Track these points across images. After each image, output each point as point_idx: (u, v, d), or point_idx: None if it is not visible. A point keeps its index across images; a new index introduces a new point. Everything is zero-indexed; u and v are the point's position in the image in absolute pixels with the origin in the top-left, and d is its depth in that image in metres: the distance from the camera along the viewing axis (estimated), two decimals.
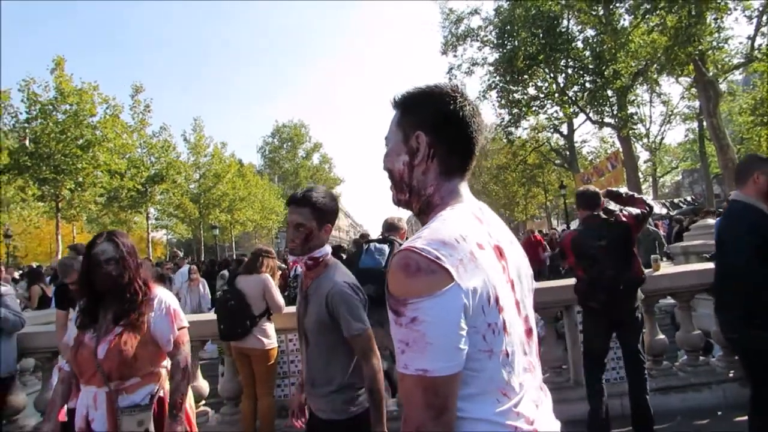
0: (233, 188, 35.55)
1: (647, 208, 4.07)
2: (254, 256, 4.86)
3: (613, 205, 4.37)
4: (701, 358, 4.92)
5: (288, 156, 53.73)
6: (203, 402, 4.89)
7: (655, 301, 5.02)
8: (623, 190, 4.46)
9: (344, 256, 13.59)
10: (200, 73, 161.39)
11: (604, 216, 4.08)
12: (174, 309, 2.61)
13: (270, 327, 4.51)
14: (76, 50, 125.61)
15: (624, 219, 4.01)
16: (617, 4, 21.64)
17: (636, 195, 4.26)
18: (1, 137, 16.28)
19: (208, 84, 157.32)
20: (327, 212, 2.38)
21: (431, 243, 1.03)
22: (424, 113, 1.24)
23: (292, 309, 4.70)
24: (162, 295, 2.64)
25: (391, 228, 4.57)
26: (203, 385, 4.88)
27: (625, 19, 23.09)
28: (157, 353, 2.54)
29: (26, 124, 18.95)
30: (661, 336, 4.89)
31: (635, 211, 4.05)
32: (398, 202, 1.33)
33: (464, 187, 1.28)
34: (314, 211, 2.33)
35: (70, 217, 22.35)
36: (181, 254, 23.68)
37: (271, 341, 4.48)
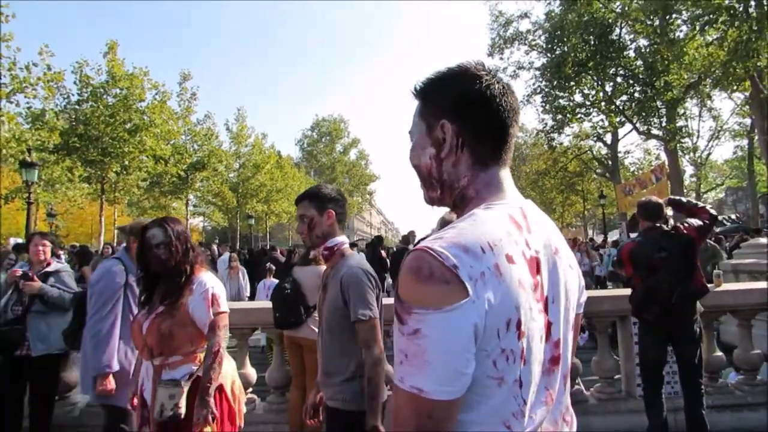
0: (271, 179, 35.87)
1: (710, 218, 3.94)
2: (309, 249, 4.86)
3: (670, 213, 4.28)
4: (758, 377, 4.76)
5: (326, 150, 53.98)
6: (251, 389, 4.92)
7: (716, 317, 4.87)
8: (685, 199, 4.34)
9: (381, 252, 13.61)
10: (247, 65, 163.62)
11: (666, 228, 3.99)
12: (213, 294, 2.71)
13: None
14: (130, 35, 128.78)
15: (685, 231, 3.90)
16: (675, 15, 21.10)
17: (699, 204, 4.14)
18: (51, 117, 16.63)
19: (253, 76, 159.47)
20: (324, 199, 2.52)
21: (451, 247, 0.90)
22: (446, 98, 1.09)
23: None
24: (205, 279, 2.77)
25: (447, 225, 4.52)
26: (251, 372, 4.90)
27: (681, 31, 22.58)
28: (196, 334, 2.69)
29: (77, 106, 19.40)
30: (719, 353, 4.74)
31: (697, 222, 3.95)
32: (430, 201, 1.19)
33: (506, 178, 1.12)
34: (311, 200, 2.53)
35: (113, 199, 22.84)
36: (217, 242, 24.00)
37: None
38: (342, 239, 2.51)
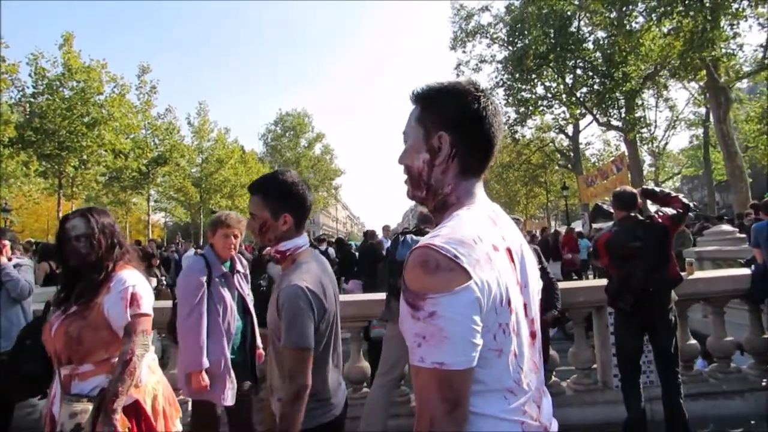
0: (235, 174, 35.38)
1: (683, 207, 3.99)
2: None
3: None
4: (732, 365, 4.85)
5: (290, 145, 53.31)
6: None
7: (689, 305, 4.95)
8: (658, 189, 4.39)
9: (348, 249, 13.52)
10: (208, 59, 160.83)
11: (640, 217, 4.01)
12: (134, 293, 2.40)
13: None
14: (87, 27, 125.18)
15: (660, 220, 3.94)
16: (632, 7, 21.48)
17: (672, 194, 4.18)
18: (4, 110, 16.03)
19: (215, 70, 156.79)
20: (282, 200, 2.11)
21: (450, 242, 1.05)
22: (447, 112, 1.22)
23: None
24: (126, 276, 2.45)
25: (426, 220, 4.48)
26: None
27: (637, 22, 23.00)
28: (111, 339, 2.35)
29: (32, 99, 18.75)
30: (693, 341, 4.82)
31: (671, 211, 3.99)
32: (413, 197, 1.33)
33: (480, 188, 1.28)
34: (265, 198, 2.10)
35: (70, 194, 22.14)
36: (182, 240, 23.57)
37: None
38: (296, 242, 2.15)
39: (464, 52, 30.77)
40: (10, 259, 4.32)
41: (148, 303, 2.46)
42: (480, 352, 1.04)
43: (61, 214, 20.68)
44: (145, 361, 2.43)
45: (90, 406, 2.23)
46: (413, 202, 1.45)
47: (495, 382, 1.10)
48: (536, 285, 1.30)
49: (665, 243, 3.90)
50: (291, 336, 1.92)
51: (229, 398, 3.32)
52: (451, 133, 1.21)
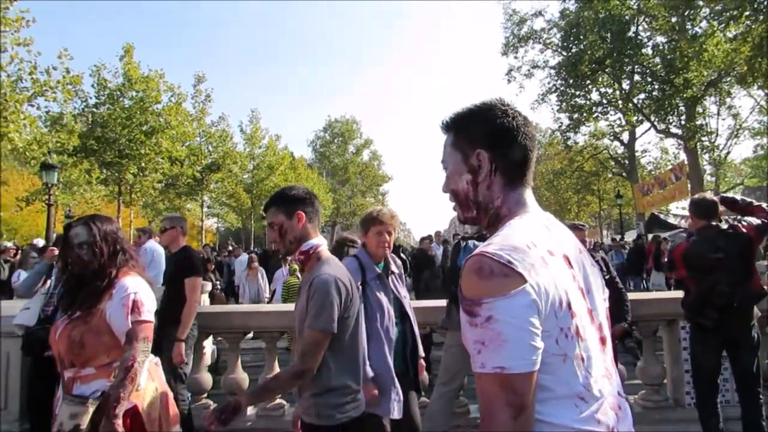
0: (285, 180, 35.78)
1: None
2: (339, 245, 4.67)
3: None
4: None
5: (338, 151, 53.81)
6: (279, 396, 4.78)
7: None
8: (738, 197, 4.13)
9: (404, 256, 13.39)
10: (259, 67, 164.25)
11: (723, 226, 3.78)
12: (135, 300, 2.44)
13: None
14: (145, 38, 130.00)
15: (744, 230, 3.69)
16: (696, 11, 20.74)
17: (755, 203, 3.93)
18: (70, 120, 16.70)
19: (265, 77, 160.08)
20: (290, 200, 2.34)
21: (503, 248, 1.06)
22: (479, 131, 1.27)
23: None
24: (128, 283, 2.49)
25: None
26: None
27: (700, 27, 22.22)
28: (113, 345, 2.40)
29: (95, 109, 19.46)
30: None
31: (755, 221, 3.74)
32: (465, 220, 1.35)
33: (530, 196, 1.29)
34: (277, 205, 2.34)
35: (129, 201, 22.84)
36: (234, 245, 23.99)
37: None
38: (317, 241, 2.34)
39: (516, 57, 30.42)
40: None
41: (149, 310, 2.49)
42: (543, 357, 1.03)
43: (120, 221, 21.43)
44: (146, 366, 2.47)
45: (90, 408, 2.29)
46: None
47: (563, 388, 1.08)
48: (601, 292, 1.29)
49: (749, 255, 3.67)
50: (318, 320, 2.10)
51: (396, 411, 3.10)
52: (488, 149, 1.25)
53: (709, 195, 3.98)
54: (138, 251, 3.62)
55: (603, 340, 1.21)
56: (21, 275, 7.61)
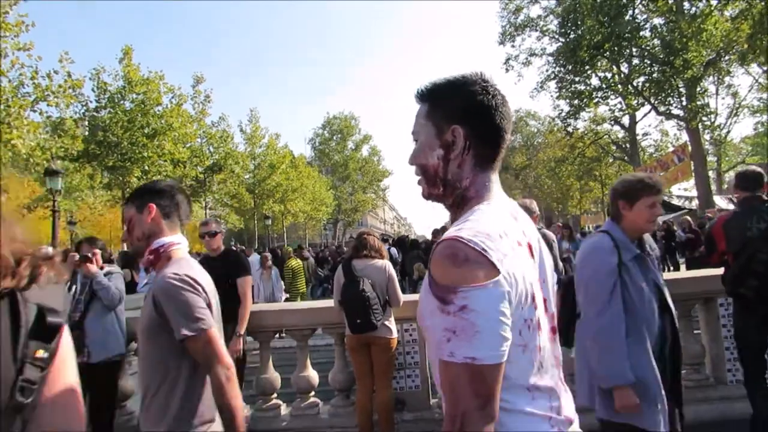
0: (287, 179, 35.81)
1: None
2: (361, 238, 4.56)
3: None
4: None
5: (337, 148, 53.80)
6: (312, 393, 4.74)
7: None
8: None
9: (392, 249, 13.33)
10: (258, 67, 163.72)
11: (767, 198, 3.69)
12: None
13: (392, 315, 4.30)
14: (141, 40, 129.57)
15: None
16: None
17: None
18: (71, 125, 16.62)
19: (262, 77, 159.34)
20: (143, 192, 2.07)
21: (477, 235, 1.04)
22: (457, 105, 1.21)
23: (409, 297, 4.50)
24: None
25: (525, 211, 4.26)
26: (313, 375, 4.72)
27: (697, 7, 22.12)
28: None
29: (95, 113, 19.43)
30: None
31: None
32: (429, 196, 1.30)
33: (496, 182, 1.27)
34: (132, 199, 2.06)
35: None
36: (241, 246, 23.94)
37: (395, 330, 4.28)
38: (170, 239, 2.02)
39: (513, 46, 30.60)
40: (102, 268, 4.38)
41: None
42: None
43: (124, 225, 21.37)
44: None
45: None
46: None
47: (520, 377, 1.10)
48: (553, 280, 1.30)
49: None
50: (188, 323, 1.83)
51: (662, 424, 2.55)
52: (464, 125, 1.20)
53: (754, 167, 3.90)
54: None
55: (554, 330, 1.24)
56: None
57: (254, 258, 12.76)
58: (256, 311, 4.61)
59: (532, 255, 1.18)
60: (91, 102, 19.38)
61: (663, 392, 2.53)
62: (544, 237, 4.02)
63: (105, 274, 4.33)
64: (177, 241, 2.04)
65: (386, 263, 4.35)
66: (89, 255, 4.21)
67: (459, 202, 1.25)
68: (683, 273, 4.93)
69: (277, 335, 5.42)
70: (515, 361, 1.07)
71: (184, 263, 1.98)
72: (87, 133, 18.73)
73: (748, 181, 3.75)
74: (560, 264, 4.15)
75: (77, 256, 4.25)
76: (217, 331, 1.91)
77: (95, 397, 4.11)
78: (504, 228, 1.11)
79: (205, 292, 1.95)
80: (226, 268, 4.45)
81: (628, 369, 2.47)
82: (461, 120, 1.20)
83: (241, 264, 4.56)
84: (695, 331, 4.68)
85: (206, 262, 4.73)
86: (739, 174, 3.85)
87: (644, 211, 2.66)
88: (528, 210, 4.24)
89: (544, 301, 1.19)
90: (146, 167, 20.06)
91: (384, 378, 4.26)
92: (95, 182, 20.57)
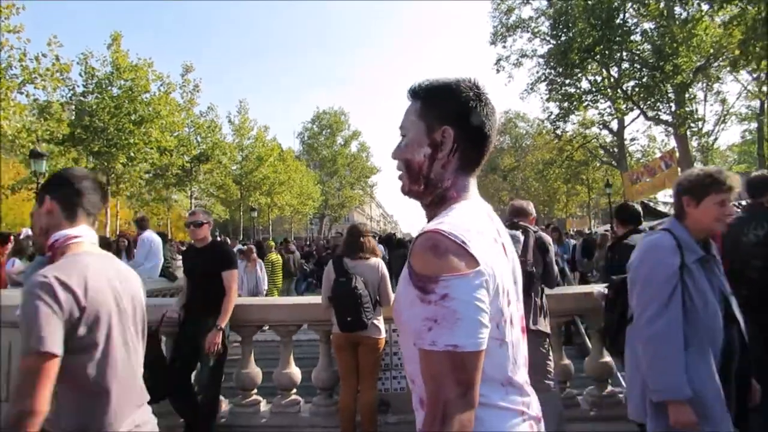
0: (274, 172, 35.60)
1: None
2: (355, 235, 4.45)
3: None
4: None
5: (326, 143, 53.61)
6: (294, 390, 4.64)
7: None
8: None
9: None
10: (248, 59, 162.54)
11: None
12: None
13: (381, 314, 4.21)
14: (132, 26, 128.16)
15: None
16: None
17: None
18: (57, 109, 16.41)
19: (252, 68, 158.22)
20: (43, 186, 1.93)
21: (457, 228, 1.08)
22: (450, 107, 1.24)
23: None
24: None
25: (520, 213, 4.17)
26: (296, 372, 4.63)
27: (688, 13, 22.24)
28: None
29: (82, 98, 19.21)
30: None
31: None
32: (408, 192, 1.32)
33: (474, 186, 1.30)
34: (40, 192, 1.92)
35: (115, 191, 22.49)
36: (224, 237, 23.76)
37: (383, 330, 4.19)
38: (67, 233, 1.80)
39: (504, 47, 30.44)
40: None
41: None
42: None
43: (108, 211, 21.12)
44: None
45: None
46: None
47: (495, 371, 1.13)
48: (521, 284, 1.34)
49: None
50: (28, 340, 1.53)
51: None
52: (455, 128, 1.23)
53: (765, 172, 3.84)
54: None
55: (523, 330, 1.28)
56: (16, 263, 7.46)
57: (237, 249, 12.67)
58: (241, 304, 4.50)
59: (506, 254, 1.22)
60: (78, 86, 19.18)
61: (728, 414, 2.29)
62: (541, 239, 3.94)
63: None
64: (76, 234, 1.81)
65: (379, 261, 4.27)
66: None
67: (438, 201, 1.27)
68: None
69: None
70: (491, 355, 1.09)
71: (70, 261, 1.72)
72: (73, 117, 18.52)
73: (754, 188, 3.70)
74: (555, 267, 4.07)
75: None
76: (54, 363, 1.54)
77: None
78: (481, 225, 1.16)
79: (82, 297, 1.63)
80: (212, 260, 4.35)
81: (685, 382, 2.23)
82: (453, 122, 1.23)
83: (227, 256, 4.43)
84: None
85: (192, 252, 4.62)
86: (747, 180, 3.79)
87: (712, 209, 2.43)
88: (525, 211, 4.18)
89: (516, 301, 1.25)
90: (132, 154, 19.87)
91: (370, 378, 4.16)
92: (80, 167, 20.24)
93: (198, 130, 27.29)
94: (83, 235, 1.84)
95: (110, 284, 1.79)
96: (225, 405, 4.60)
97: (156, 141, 20.11)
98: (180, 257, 11.83)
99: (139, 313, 1.93)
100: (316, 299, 4.57)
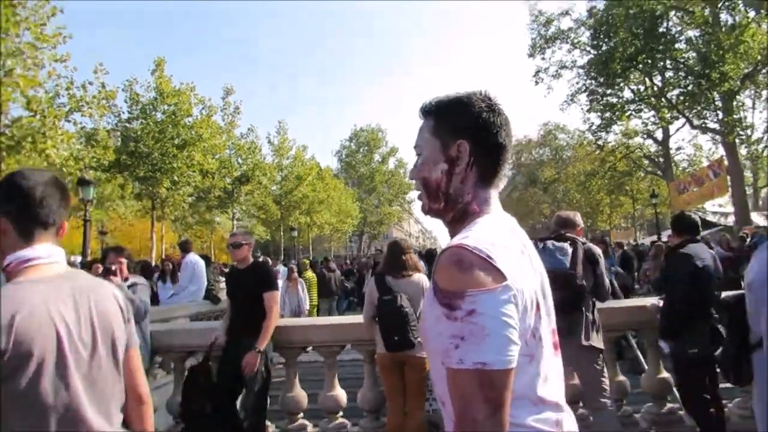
0: (313, 191, 35.90)
1: None
2: (396, 252, 4.36)
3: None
4: None
5: (364, 160, 53.93)
6: (341, 413, 4.55)
7: None
8: None
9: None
10: (287, 79, 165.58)
11: None
12: None
13: None
14: (171, 52, 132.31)
15: None
16: (737, 0, 20.20)
17: None
18: (104, 136, 16.91)
19: (292, 89, 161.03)
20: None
21: (481, 243, 1.05)
22: (463, 121, 1.23)
23: None
24: None
25: (567, 224, 4.01)
26: (341, 394, 4.54)
27: (735, 19, 21.65)
28: None
29: (127, 124, 19.83)
30: None
31: None
32: (429, 211, 1.30)
33: (496, 198, 1.27)
34: None
35: (161, 215, 23.03)
36: (264, 257, 23.99)
37: None
38: (21, 255, 1.54)
39: (543, 58, 30.09)
40: (126, 279, 4.30)
41: None
42: None
43: (155, 235, 21.62)
44: None
45: None
46: None
47: (525, 389, 1.08)
48: (551, 299, 1.26)
49: None
50: None
51: None
52: (469, 141, 1.21)
53: None
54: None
55: (555, 345, 1.22)
56: None
57: (281, 270, 12.74)
58: (284, 326, 4.46)
59: (534, 269, 1.18)
60: (123, 113, 19.84)
61: None
62: (590, 251, 3.78)
63: (130, 286, 4.25)
64: (29, 257, 1.55)
65: (422, 277, 4.17)
66: (112, 268, 4.10)
67: (459, 216, 1.25)
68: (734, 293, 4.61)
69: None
70: (523, 373, 1.06)
71: (11, 291, 1.47)
72: (119, 143, 19.01)
73: None
74: (606, 280, 3.90)
75: (101, 269, 4.17)
76: None
77: None
78: (506, 239, 1.13)
79: (2, 340, 1.40)
80: (253, 282, 4.32)
81: None
82: (467, 136, 1.22)
83: (268, 277, 4.39)
84: None
85: (235, 274, 4.62)
86: None
87: None
88: (572, 222, 4.03)
89: (548, 316, 1.19)
90: (175, 177, 20.33)
91: (417, 399, 4.04)
92: (126, 192, 20.92)
93: (239, 151, 27.78)
94: (40, 256, 1.57)
95: (56, 317, 1.51)
96: (272, 430, 4.53)
97: (198, 164, 20.54)
98: (223, 279, 12.00)
99: (109, 338, 1.67)
100: (358, 318, 4.50)
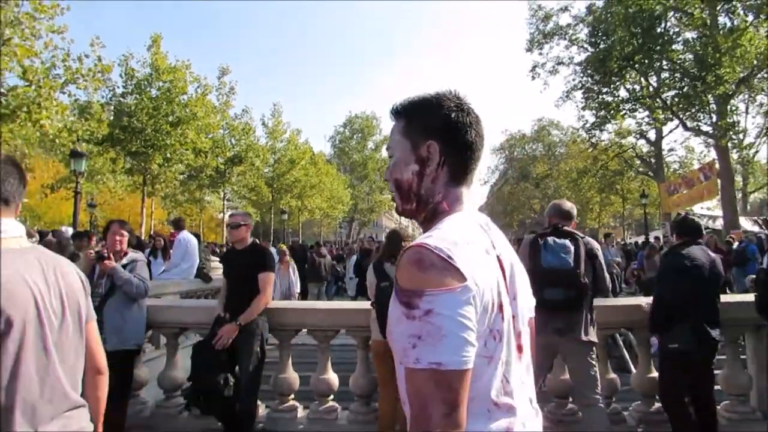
0: (306, 175, 35.82)
1: None
2: (396, 240, 4.39)
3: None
4: None
5: (357, 147, 53.84)
6: (331, 397, 4.59)
7: None
8: None
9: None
10: (283, 61, 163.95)
11: None
12: None
13: None
14: (169, 28, 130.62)
15: None
16: (734, 3, 20.21)
17: None
18: (98, 109, 16.76)
19: (288, 72, 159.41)
20: None
21: (443, 242, 1.04)
22: (432, 121, 1.23)
23: None
24: None
25: (566, 216, 3.96)
26: (333, 378, 4.58)
27: (733, 23, 21.67)
28: None
29: (121, 98, 19.73)
30: None
31: None
32: (402, 212, 1.31)
33: (467, 194, 1.28)
34: None
35: (151, 192, 22.90)
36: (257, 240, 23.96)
37: None
38: None
39: (541, 53, 29.97)
40: (126, 253, 4.29)
41: None
42: None
43: (143, 211, 21.52)
44: None
45: None
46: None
47: (483, 390, 1.08)
48: (528, 301, 1.27)
49: None
50: None
51: None
52: (439, 141, 1.22)
53: None
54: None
55: (520, 348, 1.20)
56: None
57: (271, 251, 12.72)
58: (278, 308, 4.48)
59: (502, 267, 1.16)
60: (118, 87, 19.77)
61: None
62: (589, 245, 3.80)
63: (129, 262, 4.24)
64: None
65: None
66: (104, 254, 4.12)
67: (431, 216, 1.26)
68: (735, 296, 4.68)
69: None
70: (481, 374, 1.06)
71: None
72: (112, 117, 18.86)
73: None
74: (606, 275, 3.92)
75: (93, 254, 4.19)
76: None
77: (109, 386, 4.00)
78: (471, 236, 1.12)
79: None
80: (250, 262, 4.33)
81: None
82: (436, 136, 1.22)
83: (265, 259, 4.38)
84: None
85: (232, 254, 4.62)
86: None
87: None
88: (568, 214, 4.01)
89: (513, 317, 1.16)
90: (168, 154, 20.26)
91: None
92: (117, 167, 20.78)
93: (232, 132, 27.74)
94: (6, 230, 1.63)
95: (31, 284, 1.57)
96: (262, 409, 4.57)
97: (192, 142, 20.45)
98: (214, 258, 11.96)
99: (75, 309, 1.73)
100: (353, 304, 4.52)
